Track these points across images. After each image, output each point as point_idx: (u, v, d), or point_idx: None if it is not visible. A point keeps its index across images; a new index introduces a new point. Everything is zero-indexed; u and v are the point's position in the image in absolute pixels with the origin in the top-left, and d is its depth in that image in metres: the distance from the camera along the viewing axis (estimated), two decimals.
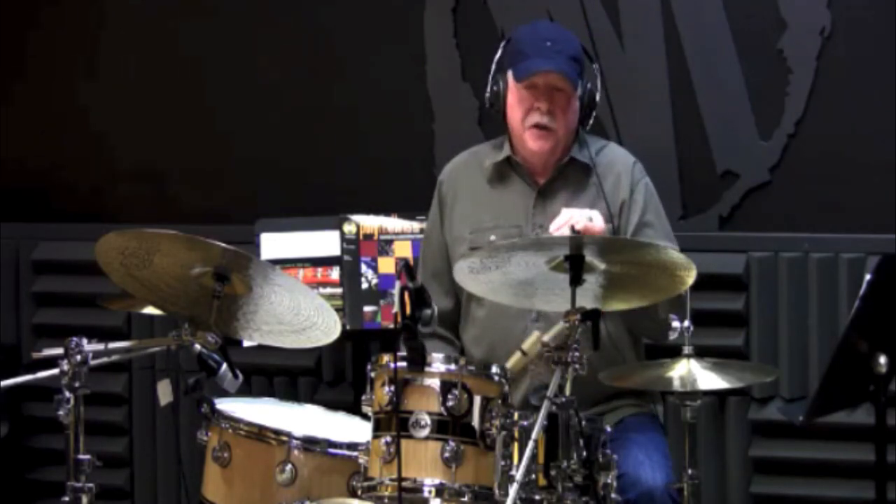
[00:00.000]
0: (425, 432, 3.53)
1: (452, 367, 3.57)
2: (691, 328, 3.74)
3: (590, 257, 3.54)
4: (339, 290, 4.69)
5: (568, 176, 4.22)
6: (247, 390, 4.73)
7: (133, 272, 3.70)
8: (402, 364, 3.53)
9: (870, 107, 4.71)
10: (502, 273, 3.62)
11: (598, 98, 4.22)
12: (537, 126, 4.13)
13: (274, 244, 4.71)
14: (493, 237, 4.19)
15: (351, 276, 4.70)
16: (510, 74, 4.19)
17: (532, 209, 4.20)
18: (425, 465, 3.53)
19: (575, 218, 3.88)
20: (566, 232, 3.83)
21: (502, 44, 4.26)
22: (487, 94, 4.24)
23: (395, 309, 3.43)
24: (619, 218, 4.15)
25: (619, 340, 4.17)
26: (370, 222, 4.74)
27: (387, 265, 4.72)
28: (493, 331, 4.18)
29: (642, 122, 4.85)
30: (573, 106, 4.16)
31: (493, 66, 4.24)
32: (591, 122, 4.24)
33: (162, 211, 5.40)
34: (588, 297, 3.58)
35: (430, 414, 3.54)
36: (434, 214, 4.36)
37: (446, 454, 3.52)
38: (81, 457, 3.59)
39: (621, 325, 4.17)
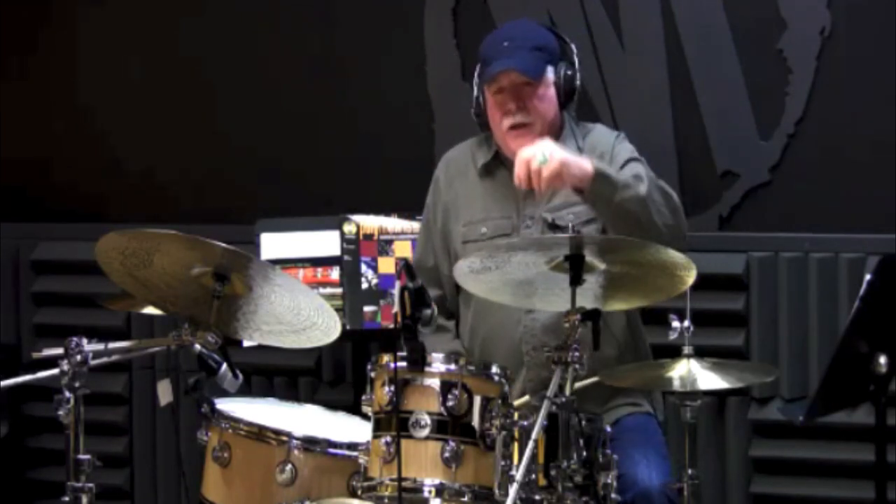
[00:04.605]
0: (425, 432, 3.53)
1: (452, 366, 3.57)
2: (691, 328, 3.73)
3: (590, 257, 3.54)
4: (339, 290, 4.69)
5: None
6: (247, 390, 4.73)
7: (133, 272, 3.70)
8: (402, 364, 3.54)
9: (870, 107, 4.71)
10: (502, 273, 3.62)
11: (577, 79, 4.16)
12: (513, 127, 4.12)
13: (274, 244, 4.71)
14: (484, 229, 4.17)
15: (351, 276, 4.70)
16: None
17: (522, 201, 4.18)
18: (425, 465, 3.52)
19: (527, 155, 3.78)
20: (523, 171, 3.77)
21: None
22: (472, 109, 4.24)
23: (395, 309, 3.43)
24: None
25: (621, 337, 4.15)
26: (370, 222, 4.74)
27: (387, 265, 4.72)
28: (484, 326, 4.16)
29: (642, 122, 4.84)
30: (546, 95, 4.12)
31: (475, 80, 4.23)
32: (573, 104, 4.20)
33: (162, 211, 5.40)
34: (588, 297, 3.58)
35: (430, 414, 3.53)
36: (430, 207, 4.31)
37: (446, 454, 3.51)
38: (81, 457, 3.59)
39: (630, 321, 4.15)
